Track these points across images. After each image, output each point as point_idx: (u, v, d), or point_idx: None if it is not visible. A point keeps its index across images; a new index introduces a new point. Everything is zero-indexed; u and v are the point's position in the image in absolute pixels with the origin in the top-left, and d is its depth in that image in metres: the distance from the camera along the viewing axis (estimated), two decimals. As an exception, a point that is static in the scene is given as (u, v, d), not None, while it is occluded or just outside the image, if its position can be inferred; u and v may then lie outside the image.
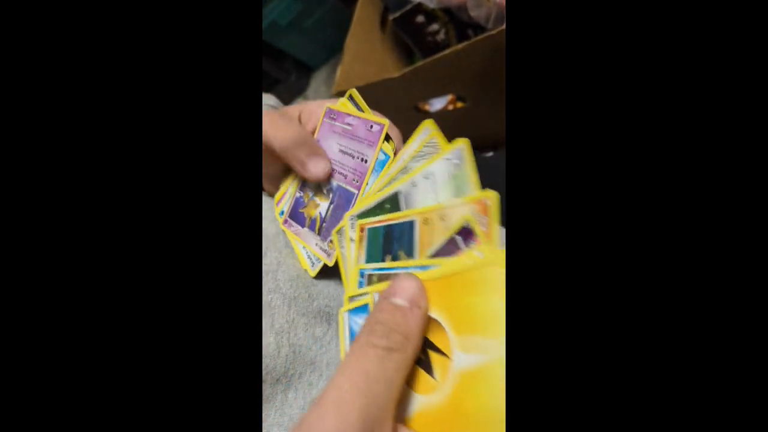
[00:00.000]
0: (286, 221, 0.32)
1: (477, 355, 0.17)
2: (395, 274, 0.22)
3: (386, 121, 0.27)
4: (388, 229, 0.24)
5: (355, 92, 0.29)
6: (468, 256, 0.19)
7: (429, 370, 0.18)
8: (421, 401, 0.18)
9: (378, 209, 0.25)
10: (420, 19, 0.78)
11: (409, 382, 0.19)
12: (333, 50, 1.43)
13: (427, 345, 0.19)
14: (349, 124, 0.28)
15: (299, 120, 0.31)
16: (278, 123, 0.28)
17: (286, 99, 1.44)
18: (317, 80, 1.49)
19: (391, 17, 0.81)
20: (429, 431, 0.18)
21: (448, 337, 0.18)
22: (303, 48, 1.37)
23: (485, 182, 0.46)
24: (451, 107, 0.80)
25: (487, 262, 0.18)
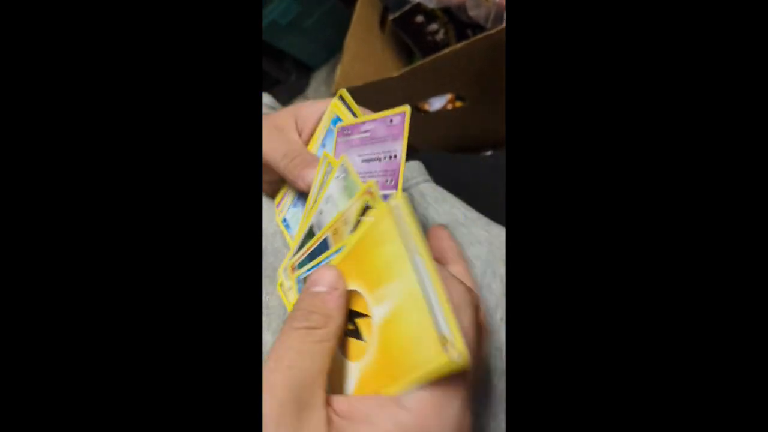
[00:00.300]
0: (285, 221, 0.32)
1: (388, 301, 0.18)
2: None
3: (407, 108, 0.26)
4: (311, 255, 0.26)
5: (345, 93, 0.29)
6: (363, 224, 0.21)
7: (359, 336, 0.20)
8: (359, 367, 0.19)
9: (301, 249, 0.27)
10: (419, 18, 0.79)
11: (347, 354, 0.20)
12: (333, 50, 1.43)
13: (352, 315, 0.20)
14: (366, 131, 0.28)
15: (296, 125, 0.31)
16: (270, 137, 0.29)
17: (286, 99, 1.44)
18: (317, 80, 1.49)
19: (390, 17, 0.81)
20: (371, 390, 0.18)
21: (365, 301, 0.20)
22: (303, 48, 1.37)
23: (485, 182, 0.46)
24: (450, 106, 0.80)
25: (376, 218, 0.20)
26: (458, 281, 0.20)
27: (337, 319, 0.19)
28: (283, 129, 0.31)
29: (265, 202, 0.34)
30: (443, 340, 0.16)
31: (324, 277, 0.20)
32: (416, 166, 0.40)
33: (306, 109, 0.31)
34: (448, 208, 0.36)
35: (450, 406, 0.17)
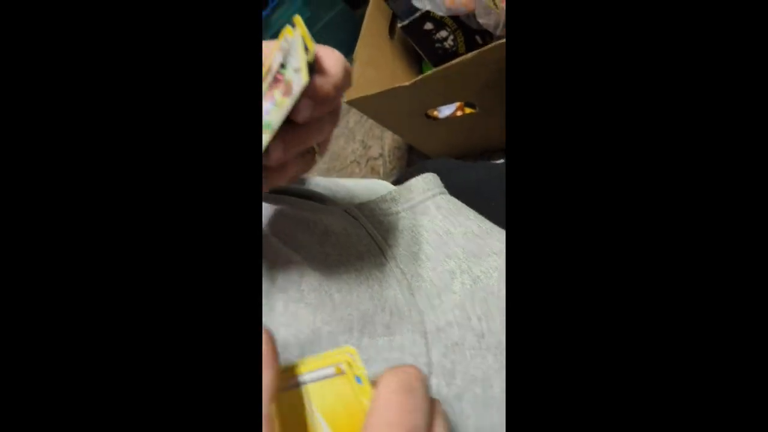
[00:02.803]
0: None
1: None
2: None
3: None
4: None
5: (298, 18, 0.26)
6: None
7: None
8: None
9: None
10: (428, 26, 0.79)
11: None
12: (341, 53, 1.45)
13: None
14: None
15: None
16: None
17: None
18: (325, 84, 1.50)
19: (399, 25, 0.82)
20: None
21: None
22: (311, 53, 1.38)
23: (496, 189, 0.47)
24: (459, 113, 0.81)
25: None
26: None
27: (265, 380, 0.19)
28: None
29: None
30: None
31: None
32: (430, 178, 0.41)
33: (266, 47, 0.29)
34: (462, 220, 0.37)
35: None
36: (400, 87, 0.67)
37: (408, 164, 1.08)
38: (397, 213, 0.38)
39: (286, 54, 0.23)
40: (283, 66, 0.23)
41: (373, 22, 0.83)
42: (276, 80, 0.23)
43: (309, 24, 1.25)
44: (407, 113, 0.77)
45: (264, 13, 1.18)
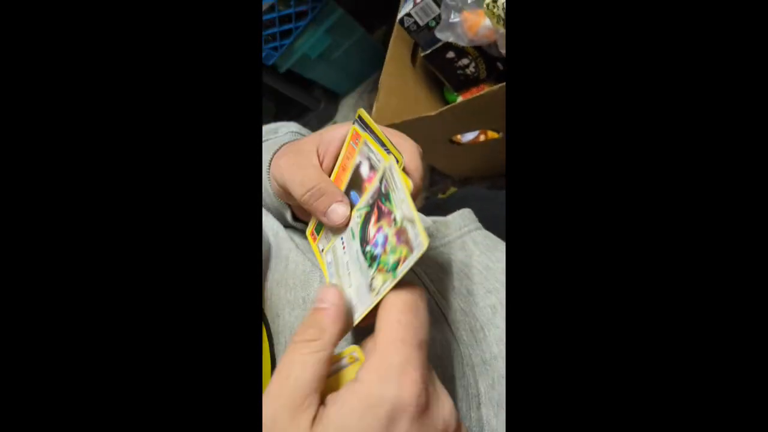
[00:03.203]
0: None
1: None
2: None
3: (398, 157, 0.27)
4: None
5: (363, 113, 0.29)
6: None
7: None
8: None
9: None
10: (450, 54, 0.82)
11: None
12: (360, 78, 1.49)
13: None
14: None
15: (317, 150, 0.31)
16: (297, 169, 0.29)
17: (316, 126, 1.49)
18: (345, 107, 1.54)
19: (422, 54, 0.84)
20: None
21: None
22: (331, 77, 1.43)
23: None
24: (483, 138, 0.83)
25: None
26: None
27: (330, 330, 0.22)
28: (302, 152, 0.30)
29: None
30: None
31: (326, 295, 0.23)
32: (467, 213, 0.42)
33: (328, 133, 0.31)
34: (500, 255, 0.38)
35: (400, 368, 0.20)
36: (426, 116, 0.69)
37: (431, 184, 1.10)
38: (435, 248, 0.39)
39: (383, 179, 0.25)
40: (385, 197, 0.25)
41: (396, 51, 0.86)
42: (380, 210, 0.25)
43: (330, 50, 1.29)
44: (432, 139, 0.79)
45: (287, 42, 1.22)
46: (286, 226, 0.37)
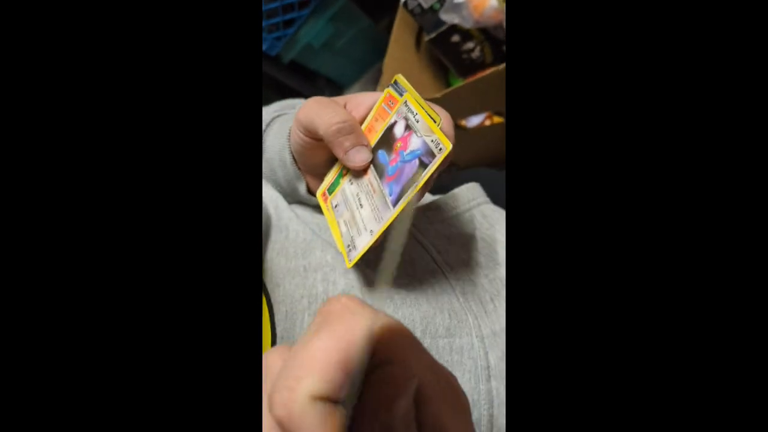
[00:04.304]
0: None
1: None
2: None
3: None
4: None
5: (401, 78, 0.29)
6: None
7: None
8: None
9: None
10: (455, 38, 0.81)
11: None
12: (363, 67, 1.48)
13: None
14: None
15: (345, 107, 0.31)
16: (326, 107, 0.28)
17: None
18: (349, 97, 1.53)
19: (426, 38, 0.84)
20: None
21: None
22: (335, 67, 1.42)
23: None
24: (488, 122, 0.82)
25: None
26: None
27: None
28: (332, 101, 0.30)
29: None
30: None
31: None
32: (475, 187, 0.42)
33: (357, 96, 0.31)
34: (509, 228, 0.38)
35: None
36: (430, 99, 0.68)
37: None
38: (443, 221, 0.39)
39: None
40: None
41: (400, 35, 0.85)
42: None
43: (333, 39, 1.29)
44: (437, 124, 0.78)
45: (290, 32, 1.21)
46: (296, 202, 0.37)
